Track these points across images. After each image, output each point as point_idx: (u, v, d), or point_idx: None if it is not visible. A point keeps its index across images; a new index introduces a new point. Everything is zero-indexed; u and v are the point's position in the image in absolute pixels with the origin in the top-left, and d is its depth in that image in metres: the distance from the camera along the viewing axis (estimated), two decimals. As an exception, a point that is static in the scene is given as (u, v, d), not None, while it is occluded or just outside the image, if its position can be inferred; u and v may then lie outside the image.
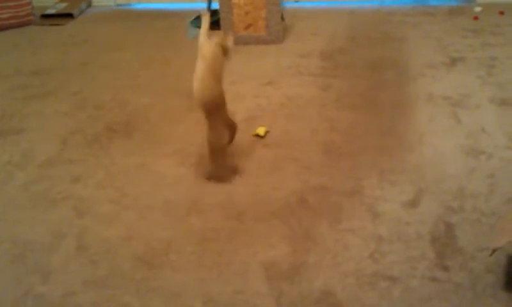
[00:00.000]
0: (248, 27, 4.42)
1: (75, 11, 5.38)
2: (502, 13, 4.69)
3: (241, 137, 3.13)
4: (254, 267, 2.24)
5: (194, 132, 3.20)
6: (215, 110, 2.61)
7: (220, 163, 2.76)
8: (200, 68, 2.58)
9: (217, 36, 2.63)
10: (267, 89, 3.67)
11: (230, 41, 2.65)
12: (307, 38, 4.46)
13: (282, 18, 4.51)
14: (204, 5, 5.19)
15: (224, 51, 2.64)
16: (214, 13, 4.80)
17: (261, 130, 3.14)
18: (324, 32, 4.57)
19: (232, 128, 2.75)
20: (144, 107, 3.55)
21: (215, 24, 4.68)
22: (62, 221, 2.57)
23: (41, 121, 3.47)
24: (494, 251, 2.00)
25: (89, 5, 5.70)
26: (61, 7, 5.48)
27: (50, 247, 2.41)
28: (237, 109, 3.41)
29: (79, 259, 2.33)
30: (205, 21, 2.67)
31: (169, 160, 2.98)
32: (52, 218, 2.59)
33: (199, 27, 4.82)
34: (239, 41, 4.41)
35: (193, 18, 4.95)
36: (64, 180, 2.87)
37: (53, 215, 2.62)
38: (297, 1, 5.25)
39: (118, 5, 5.63)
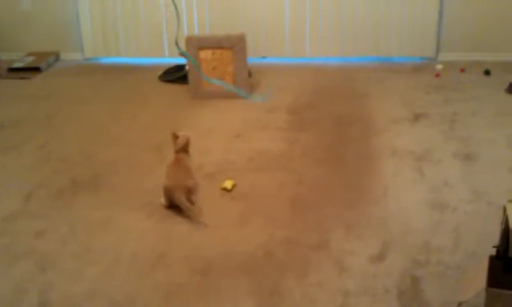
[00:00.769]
0: (215, 81, 4.46)
1: (42, 65, 5.37)
2: (462, 70, 4.83)
3: (209, 190, 3.13)
4: (220, 322, 2.21)
5: (162, 185, 3.18)
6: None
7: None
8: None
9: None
10: (235, 142, 3.69)
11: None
12: (274, 93, 4.52)
13: (249, 74, 4.57)
14: (171, 60, 5.24)
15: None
16: (181, 68, 4.85)
17: (228, 184, 3.14)
18: (290, 87, 4.64)
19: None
20: (111, 160, 3.53)
21: (183, 79, 4.72)
22: (24, 276, 2.51)
23: (5, 175, 3.42)
24: (460, 304, 2.01)
25: (57, 59, 5.70)
26: (29, 60, 5.46)
27: (11, 303, 2.34)
28: (204, 162, 3.41)
29: (41, 316, 2.27)
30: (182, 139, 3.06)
31: (136, 214, 2.95)
32: (14, 273, 2.53)
33: (167, 80, 4.86)
34: (207, 96, 4.44)
35: (161, 72, 4.98)
36: (27, 235, 2.82)
37: (15, 270, 2.55)
38: (264, 57, 5.33)
39: (86, 59, 5.64)
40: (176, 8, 3.27)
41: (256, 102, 2.84)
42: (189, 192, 2.96)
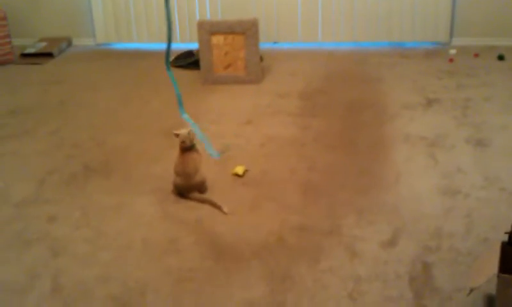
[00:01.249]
0: (227, 67, 4.46)
1: (54, 51, 5.38)
2: (476, 55, 4.79)
3: (220, 176, 3.14)
4: (232, 307, 2.22)
5: (173, 171, 3.19)
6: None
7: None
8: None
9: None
10: (246, 128, 3.68)
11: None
12: (286, 79, 4.51)
13: (261, 59, 4.56)
14: (182, 46, 5.23)
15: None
16: (193, 54, 4.84)
17: (240, 170, 3.14)
18: (302, 73, 4.62)
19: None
20: (122, 146, 3.54)
21: (194, 65, 4.72)
22: (37, 261, 2.53)
23: (18, 161, 3.44)
24: (471, 290, 2.01)
25: (69, 44, 5.72)
26: (41, 46, 5.48)
27: (24, 288, 2.36)
28: (216, 148, 3.41)
29: (53, 300, 2.29)
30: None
31: (147, 199, 2.96)
32: (26, 258, 2.55)
33: (178, 66, 4.85)
34: (218, 81, 4.44)
35: (173, 58, 4.98)
36: (40, 220, 2.84)
37: (28, 255, 2.58)
38: (275, 43, 5.32)
39: (98, 44, 5.65)
40: (169, 19, 2.69)
41: (214, 158, 2.86)
42: (200, 186, 2.98)
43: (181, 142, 2.92)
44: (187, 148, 2.94)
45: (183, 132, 2.93)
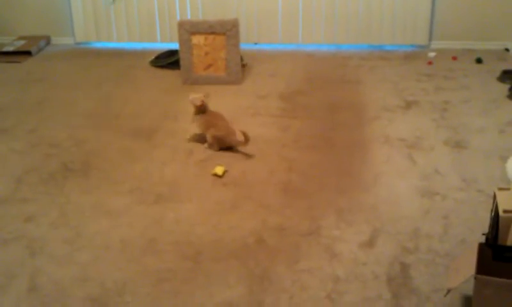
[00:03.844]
0: (207, 67, 4.45)
1: (33, 49, 5.33)
2: (454, 58, 4.84)
3: (199, 176, 3.13)
4: (210, 308, 2.21)
5: (152, 170, 3.18)
6: None
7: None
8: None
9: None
10: (226, 129, 3.67)
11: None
12: (266, 80, 4.51)
13: (242, 60, 4.56)
14: (163, 45, 5.21)
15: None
16: (174, 53, 4.82)
17: (219, 170, 3.13)
18: (282, 74, 4.63)
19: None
20: (101, 146, 3.52)
21: (174, 65, 4.70)
22: (14, 261, 2.50)
23: (-5, 159, 3.40)
24: (449, 291, 2.03)
25: (48, 43, 5.66)
26: (19, 44, 5.42)
27: (0, 288, 2.33)
28: (195, 148, 3.41)
29: (31, 301, 2.27)
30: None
31: (126, 199, 2.95)
32: (3, 258, 2.52)
33: (159, 66, 4.84)
34: (199, 81, 4.43)
35: (153, 57, 4.96)
36: (17, 219, 2.80)
37: (4, 254, 2.55)
38: (256, 43, 5.32)
39: (77, 43, 5.61)
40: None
41: (249, 78, 2.94)
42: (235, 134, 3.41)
43: (199, 104, 3.44)
44: (204, 108, 3.48)
45: (197, 96, 3.45)
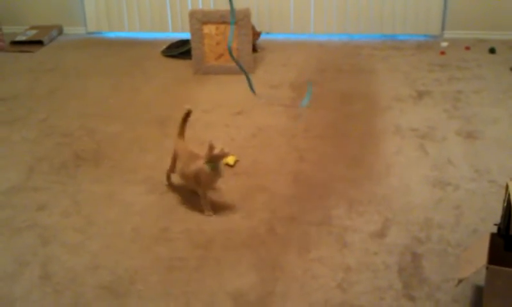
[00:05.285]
0: (219, 57, 4.44)
1: (45, 39, 5.34)
2: (467, 48, 4.80)
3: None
4: (222, 297, 2.22)
5: (164, 160, 3.18)
6: None
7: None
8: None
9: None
10: (238, 118, 3.68)
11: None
12: (278, 69, 4.50)
13: (254, 49, 4.55)
14: (174, 35, 5.21)
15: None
16: (185, 43, 4.82)
17: (231, 159, 3.13)
18: (294, 64, 4.61)
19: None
20: (113, 135, 3.53)
21: (186, 54, 4.70)
22: (26, 249, 2.52)
23: (7, 148, 3.42)
24: (460, 281, 2.02)
25: (60, 33, 5.67)
26: (31, 34, 5.44)
27: (13, 276, 2.35)
28: (207, 138, 3.40)
29: (43, 288, 2.28)
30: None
31: (138, 188, 2.96)
32: (15, 246, 2.54)
33: (170, 55, 4.84)
34: (210, 71, 4.42)
35: (164, 47, 4.96)
36: (29, 208, 2.82)
37: (17, 243, 2.56)
38: (268, 33, 5.30)
39: (89, 33, 5.62)
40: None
41: (302, 107, 2.70)
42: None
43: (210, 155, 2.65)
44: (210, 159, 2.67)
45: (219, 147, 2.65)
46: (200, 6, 5.30)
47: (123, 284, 2.29)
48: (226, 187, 2.93)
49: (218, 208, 2.77)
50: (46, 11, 5.68)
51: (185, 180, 2.80)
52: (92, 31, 5.61)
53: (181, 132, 2.88)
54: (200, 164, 2.67)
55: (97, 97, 4.12)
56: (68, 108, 3.95)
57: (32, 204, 2.85)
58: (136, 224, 2.67)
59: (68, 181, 3.04)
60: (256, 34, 4.83)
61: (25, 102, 4.07)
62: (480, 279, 2.08)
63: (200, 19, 4.35)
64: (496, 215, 2.56)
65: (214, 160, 2.65)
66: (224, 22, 4.34)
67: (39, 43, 5.32)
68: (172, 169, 2.90)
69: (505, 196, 2.14)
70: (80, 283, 2.31)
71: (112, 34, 5.58)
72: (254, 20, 5.01)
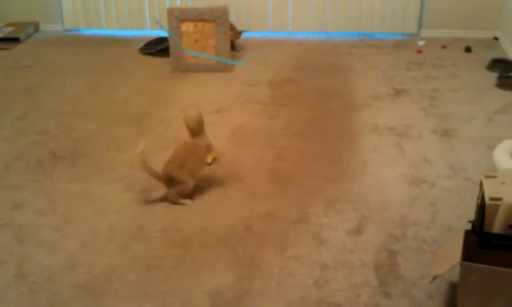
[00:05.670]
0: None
1: (21, 36, 5.29)
2: (444, 47, 4.84)
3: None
4: (199, 295, 2.22)
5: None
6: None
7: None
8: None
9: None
10: (216, 116, 3.67)
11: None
12: (256, 68, 4.50)
13: (233, 47, 4.55)
14: (152, 33, 5.19)
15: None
16: (162, 41, 4.80)
17: (208, 157, 3.13)
18: (272, 62, 4.62)
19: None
20: (90, 134, 3.50)
21: (164, 52, 4.69)
22: (1, 248, 2.49)
23: (-17, 146, 3.39)
24: (435, 278, 2.04)
25: (37, 30, 5.62)
26: (7, 31, 5.38)
27: (-13, 276, 2.33)
28: (185, 136, 3.40)
29: (18, 287, 2.27)
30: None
31: (115, 187, 2.94)
32: (-10, 245, 2.52)
33: (148, 53, 4.82)
34: (188, 69, 4.41)
35: (142, 45, 4.94)
36: (4, 206, 2.80)
37: (-8, 242, 2.54)
38: (245, 31, 5.30)
39: (66, 30, 5.57)
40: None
41: (239, 66, 2.74)
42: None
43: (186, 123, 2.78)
44: (192, 132, 2.81)
45: (190, 115, 2.74)
46: (178, 3, 5.28)
47: (100, 283, 2.28)
48: (203, 185, 2.93)
49: (195, 206, 2.77)
50: (22, 7, 5.62)
51: (200, 169, 2.86)
52: (69, 28, 5.56)
53: (146, 164, 2.79)
54: (203, 140, 2.84)
55: (74, 95, 4.09)
56: (44, 106, 3.91)
57: (8, 203, 2.82)
58: (113, 222, 2.66)
59: (45, 180, 3.02)
60: (237, 33, 4.83)
61: (1, 100, 4.02)
62: (455, 276, 2.10)
63: (178, 17, 4.34)
64: (471, 212, 2.58)
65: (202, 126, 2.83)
66: (202, 20, 4.33)
67: (15, 40, 5.27)
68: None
69: (479, 193, 2.16)
70: (56, 282, 2.29)
71: (89, 32, 5.54)
72: (232, 18, 5.01)
